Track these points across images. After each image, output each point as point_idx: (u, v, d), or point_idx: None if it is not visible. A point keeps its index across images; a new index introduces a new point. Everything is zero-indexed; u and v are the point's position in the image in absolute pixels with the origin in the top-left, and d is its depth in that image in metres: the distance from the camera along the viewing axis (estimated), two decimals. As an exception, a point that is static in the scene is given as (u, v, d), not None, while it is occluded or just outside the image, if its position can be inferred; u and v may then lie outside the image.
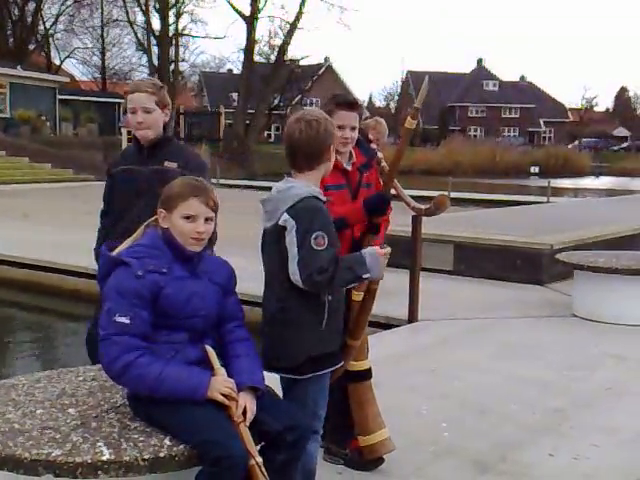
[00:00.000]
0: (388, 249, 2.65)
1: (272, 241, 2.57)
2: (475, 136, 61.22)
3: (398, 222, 6.19)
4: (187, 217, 2.35)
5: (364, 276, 2.56)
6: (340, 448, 3.36)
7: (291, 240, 2.48)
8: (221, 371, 2.29)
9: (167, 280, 2.30)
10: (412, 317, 6.28)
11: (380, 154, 7.14)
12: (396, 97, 70.71)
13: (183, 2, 41.88)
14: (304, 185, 2.57)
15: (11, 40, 43.73)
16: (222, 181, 24.81)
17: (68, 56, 49.80)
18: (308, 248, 2.45)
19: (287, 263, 2.49)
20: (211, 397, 2.20)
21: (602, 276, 6.33)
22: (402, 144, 3.12)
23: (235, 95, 44.28)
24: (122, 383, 2.28)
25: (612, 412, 4.25)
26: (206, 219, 2.38)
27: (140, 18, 43.18)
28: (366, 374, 3.28)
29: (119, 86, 50.35)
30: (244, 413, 2.21)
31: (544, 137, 67.73)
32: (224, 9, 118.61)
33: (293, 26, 39.33)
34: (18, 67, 33.45)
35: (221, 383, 2.24)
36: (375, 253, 2.58)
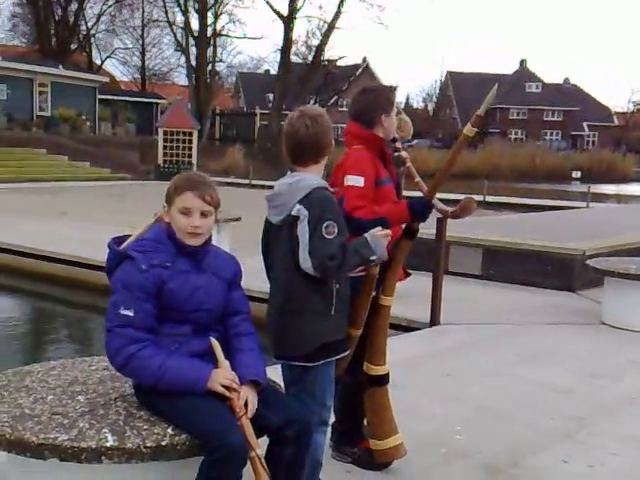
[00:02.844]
0: (388, 231, 2.73)
1: (282, 234, 2.66)
2: (516, 139, 60.41)
3: (424, 224, 6.17)
4: (183, 211, 2.36)
5: (371, 258, 2.67)
6: (349, 447, 3.37)
7: (302, 229, 2.57)
8: (225, 364, 2.33)
9: (170, 274, 2.34)
10: (434, 321, 6.26)
11: (404, 153, 7.11)
12: (434, 98, 70.23)
13: (222, 2, 42.25)
14: (313, 177, 2.67)
15: (54, 40, 44.70)
16: (254, 182, 25.01)
17: (109, 56, 50.81)
18: (319, 236, 2.55)
19: (297, 252, 2.58)
20: (211, 388, 2.24)
21: (633, 283, 6.22)
22: (456, 151, 3.08)
23: (271, 96, 44.49)
24: (125, 374, 2.34)
25: (635, 422, 4.18)
26: (202, 213, 2.37)
27: (180, 18, 43.75)
28: (384, 379, 3.28)
29: (158, 87, 51.12)
30: (246, 405, 2.25)
31: (588, 141, 66.50)
32: (262, 9, 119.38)
33: (331, 26, 39.36)
34: (60, 66, 34.20)
35: (222, 375, 2.28)
36: (376, 234, 2.69)
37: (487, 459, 3.53)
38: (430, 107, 70.59)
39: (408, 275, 3.76)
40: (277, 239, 2.69)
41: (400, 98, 73.17)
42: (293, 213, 2.59)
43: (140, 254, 2.33)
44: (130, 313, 2.26)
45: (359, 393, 3.26)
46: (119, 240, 2.46)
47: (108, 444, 2.06)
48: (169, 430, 2.19)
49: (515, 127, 64.31)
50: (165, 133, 28.85)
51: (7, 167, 23.09)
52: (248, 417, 2.24)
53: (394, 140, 6.95)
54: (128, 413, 2.28)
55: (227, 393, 2.25)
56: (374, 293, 3.16)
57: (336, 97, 48.17)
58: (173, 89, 50.64)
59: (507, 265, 8.38)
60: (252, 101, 52.85)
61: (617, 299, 6.46)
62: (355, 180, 3.11)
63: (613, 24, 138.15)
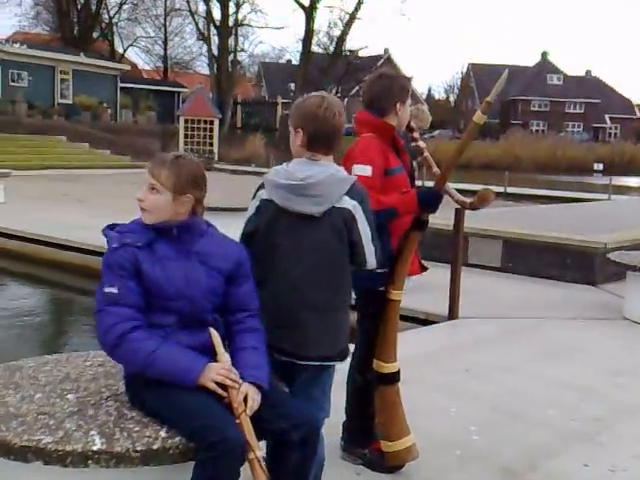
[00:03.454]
0: None
1: (319, 225, 2.48)
2: (537, 131, 59.75)
3: (442, 215, 6.01)
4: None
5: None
6: (360, 448, 3.24)
7: (363, 223, 2.52)
8: (224, 357, 2.19)
9: (146, 256, 2.22)
10: (452, 314, 6.09)
11: (422, 143, 6.92)
12: (456, 90, 69.58)
13: (244, -8, 42.04)
14: (338, 167, 2.59)
15: (76, 28, 44.80)
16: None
17: (131, 44, 50.75)
18: (374, 229, 2.57)
19: (351, 247, 2.53)
20: (203, 384, 2.10)
21: (656, 278, 6.04)
22: (466, 139, 2.94)
23: (293, 85, 44.30)
24: (116, 356, 2.20)
25: (657, 423, 4.01)
26: (151, 188, 2.26)
27: (202, 7, 43.62)
28: (394, 377, 3.12)
29: (180, 75, 51.09)
30: (246, 401, 2.11)
31: (610, 133, 65.61)
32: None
33: (352, 16, 39.14)
34: (81, 54, 34.30)
35: (216, 370, 2.12)
36: None
37: (504, 462, 3.37)
38: (452, 98, 70.01)
39: (425, 269, 3.59)
40: (307, 230, 2.48)
41: (422, 89, 72.81)
42: (340, 205, 2.47)
43: (115, 233, 2.26)
44: (114, 290, 2.16)
45: (369, 392, 3.12)
46: (114, 227, 2.35)
47: (95, 447, 1.93)
48: (162, 432, 2.05)
49: (536, 119, 63.63)
50: (186, 121, 28.84)
51: (27, 154, 23.16)
52: (248, 414, 2.09)
53: (411, 130, 6.77)
54: (119, 414, 2.14)
55: (219, 390, 2.10)
56: (382, 288, 3.02)
57: (357, 88, 47.88)
58: (195, 78, 50.58)
59: (527, 257, 8.20)
60: (274, 91, 52.64)
61: (639, 293, 6.25)
62: (362, 169, 2.96)
63: (635, 16, 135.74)
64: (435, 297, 6.29)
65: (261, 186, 2.59)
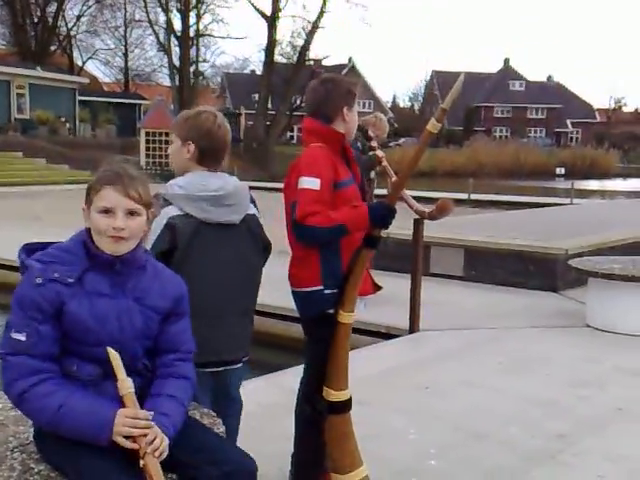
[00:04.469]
0: None
1: (240, 232, 2.62)
2: (501, 137, 60.47)
3: (404, 225, 5.88)
4: (103, 211, 1.93)
5: None
6: (309, 480, 3.03)
7: (261, 227, 2.74)
8: (127, 383, 1.89)
9: (73, 293, 1.90)
10: (413, 327, 5.93)
11: (380, 152, 6.71)
12: (420, 97, 70.09)
13: (204, 2, 41.81)
14: (234, 177, 2.70)
15: (33, 42, 44.04)
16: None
17: (90, 57, 50.17)
18: None
19: (264, 250, 2.73)
20: (115, 440, 1.84)
21: (618, 284, 5.93)
22: (420, 149, 2.70)
23: (257, 96, 44.10)
24: (22, 411, 1.93)
25: (622, 437, 3.86)
26: (129, 212, 1.94)
27: (162, 18, 43.25)
28: (345, 406, 2.89)
29: (142, 87, 50.59)
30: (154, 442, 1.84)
31: (571, 138, 66.67)
32: (246, 9, 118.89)
33: (315, 25, 39.11)
34: (37, 68, 33.66)
35: (122, 421, 1.83)
36: None
37: (462, 488, 3.20)
38: (417, 106, 70.48)
39: (378, 288, 3.39)
40: (229, 239, 2.55)
41: (387, 97, 73.22)
42: (250, 212, 2.63)
43: (40, 264, 1.91)
44: (22, 337, 1.85)
45: (319, 422, 2.91)
46: (35, 247, 2.01)
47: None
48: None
49: (500, 125, 64.51)
50: (147, 134, 28.44)
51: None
52: (156, 456, 1.82)
53: (369, 139, 6.57)
54: (24, 468, 1.89)
55: (128, 445, 1.82)
56: (331, 311, 2.82)
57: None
58: (157, 90, 50.13)
59: (489, 266, 8.10)
60: (238, 101, 52.38)
61: (601, 300, 6.17)
62: (310, 182, 2.75)
63: (595, 22, 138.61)
64: (397, 309, 6.12)
65: (164, 203, 2.47)
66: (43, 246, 2.01)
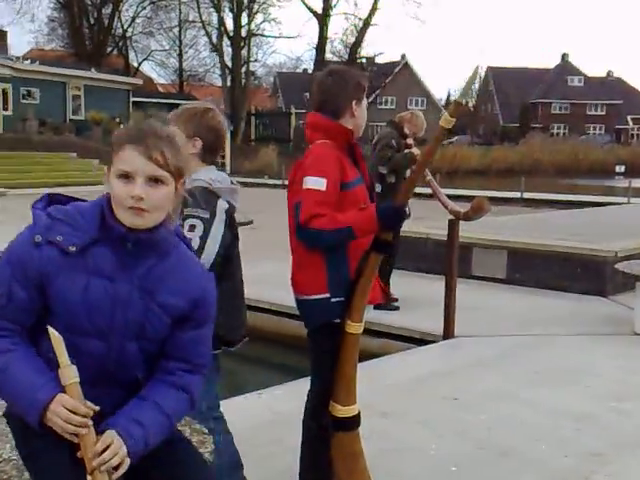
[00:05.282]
0: None
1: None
2: (558, 134, 58.95)
3: (444, 225, 5.65)
4: (122, 175, 1.63)
5: None
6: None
7: None
8: (69, 372, 1.59)
9: (69, 265, 1.63)
10: (447, 333, 5.69)
11: (416, 150, 6.43)
12: (475, 93, 68.96)
13: (256, 1, 41.97)
14: None
15: (89, 43, 44.99)
16: (287, 182, 24.51)
17: (145, 58, 50.92)
18: None
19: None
20: (49, 423, 1.58)
21: (669, 290, 5.59)
22: (433, 147, 2.59)
23: (309, 95, 44.10)
24: None
25: (664, 457, 3.58)
26: (151, 179, 1.62)
27: (215, 19, 43.63)
28: (353, 422, 2.71)
29: (195, 88, 51.14)
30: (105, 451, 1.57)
31: (632, 135, 64.54)
32: (297, 8, 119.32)
33: (366, 23, 38.93)
34: (92, 69, 34.32)
35: (57, 410, 1.57)
36: None
37: (481, 512, 2.99)
38: (471, 103, 69.37)
39: (389, 298, 3.22)
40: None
41: (441, 94, 72.34)
42: None
43: (47, 219, 1.66)
44: None
45: (325, 439, 2.73)
46: (58, 200, 1.75)
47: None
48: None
49: (557, 122, 62.81)
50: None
51: (36, 172, 23.04)
52: (106, 470, 1.57)
53: (405, 136, 6.31)
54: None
55: (67, 437, 1.57)
56: (338, 320, 2.65)
57: (375, 95, 47.52)
58: (210, 90, 50.64)
59: (534, 268, 7.77)
60: (290, 101, 52.44)
61: (651, 307, 5.81)
62: (315, 182, 2.57)
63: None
64: (433, 314, 5.89)
65: (213, 197, 2.51)
66: (67, 200, 1.76)
